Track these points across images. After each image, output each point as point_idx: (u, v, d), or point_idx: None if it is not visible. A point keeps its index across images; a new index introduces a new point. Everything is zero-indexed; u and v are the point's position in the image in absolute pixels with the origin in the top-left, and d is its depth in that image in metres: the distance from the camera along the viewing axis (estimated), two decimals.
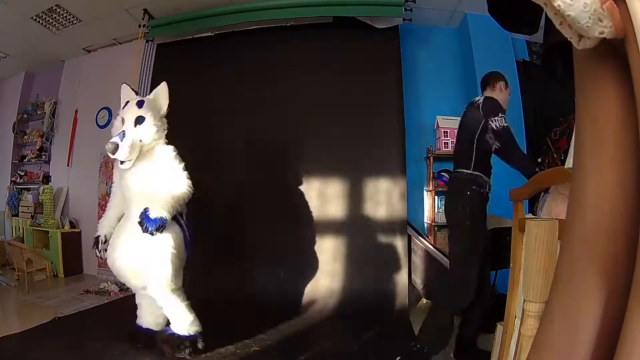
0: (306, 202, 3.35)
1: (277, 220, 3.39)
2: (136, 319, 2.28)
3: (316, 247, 3.29)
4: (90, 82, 4.48)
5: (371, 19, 3.40)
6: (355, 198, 3.31)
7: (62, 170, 4.56)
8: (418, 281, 3.25)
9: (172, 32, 3.76)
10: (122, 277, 2.11)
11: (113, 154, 2.02)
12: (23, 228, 4.56)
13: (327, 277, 3.21)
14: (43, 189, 4.41)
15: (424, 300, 3.21)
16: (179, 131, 3.78)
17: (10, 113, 5.04)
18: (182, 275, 2.16)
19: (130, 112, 2.17)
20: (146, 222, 1.89)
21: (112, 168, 4.20)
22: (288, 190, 3.41)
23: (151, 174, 2.10)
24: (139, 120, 2.13)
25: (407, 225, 3.31)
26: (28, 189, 4.80)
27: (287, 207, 3.40)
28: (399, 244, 3.19)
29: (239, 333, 2.42)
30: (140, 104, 2.18)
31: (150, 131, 2.13)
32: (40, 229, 4.34)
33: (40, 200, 4.44)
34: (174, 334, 2.09)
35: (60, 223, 4.33)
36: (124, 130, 2.09)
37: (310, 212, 3.33)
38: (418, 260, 3.26)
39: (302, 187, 3.38)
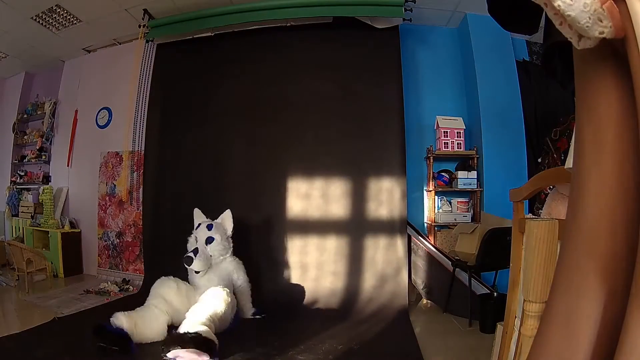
0: (306, 202, 3.35)
1: (277, 220, 3.39)
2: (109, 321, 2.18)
3: (316, 247, 3.29)
4: (90, 82, 4.49)
5: (371, 19, 3.40)
6: (355, 198, 3.31)
7: (62, 170, 4.57)
8: (418, 281, 3.25)
9: (172, 32, 3.76)
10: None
11: (189, 265, 2.58)
12: (23, 228, 4.56)
13: (327, 277, 3.21)
14: (43, 189, 4.41)
15: (424, 300, 3.22)
16: (180, 131, 3.81)
17: (10, 113, 5.04)
18: None
19: (202, 233, 2.74)
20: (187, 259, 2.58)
21: (112, 168, 4.21)
22: (288, 190, 3.41)
23: (222, 280, 2.64)
24: (209, 240, 2.70)
25: (407, 225, 3.31)
26: (28, 189, 4.81)
27: (287, 207, 3.40)
28: (399, 244, 3.19)
29: (240, 333, 2.42)
30: (209, 227, 2.76)
31: (217, 248, 2.70)
32: (40, 229, 4.34)
33: (40, 201, 4.45)
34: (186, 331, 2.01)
35: (60, 223, 4.34)
36: (197, 247, 2.66)
37: (310, 212, 3.33)
38: (418, 261, 3.26)
39: (301, 187, 3.38)
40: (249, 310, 2.82)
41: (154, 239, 3.68)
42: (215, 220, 2.85)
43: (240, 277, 2.80)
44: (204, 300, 2.24)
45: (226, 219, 2.88)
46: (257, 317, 2.78)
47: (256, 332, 2.49)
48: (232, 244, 2.84)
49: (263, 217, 3.42)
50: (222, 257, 2.73)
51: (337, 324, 2.73)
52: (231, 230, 2.85)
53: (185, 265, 2.59)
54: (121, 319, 2.16)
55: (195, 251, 2.61)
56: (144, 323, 2.23)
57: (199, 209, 2.99)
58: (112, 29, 4.05)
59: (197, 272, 2.60)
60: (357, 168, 3.34)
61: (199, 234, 2.74)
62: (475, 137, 3.60)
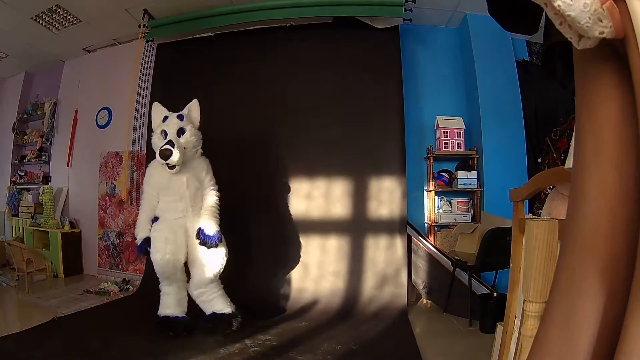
0: (305, 202, 3.35)
1: (277, 220, 3.39)
2: (159, 310, 2.50)
3: (315, 247, 3.28)
4: (90, 82, 4.49)
5: (371, 19, 3.40)
6: (355, 198, 3.31)
7: (62, 170, 4.57)
8: (418, 281, 3.25)
9: (172, 32, 3.76)
10: (169, 272, 2.42)
11: (166, 159, 2.34)
12: (23, 228, 4.56)
13: (327, 277, 3.21)
14: (43, 189, 4.41)
15: (424, 300, 3.22)
16: None
17: (10, 113, 5.04)
18: None
19: (173, 125, 2.50)
20: (208, 239, 2.37)
21: (112, 168, 4.21)
22: (288, 190, 3.41)
23: (191, 181, 2.49)
24: (181, 131, 2.49)
25: (407, 225, 3.31)
26: (28, 189, 4.81)
27: (286, 207, 3.40)
28: (399, 244, 3.19)
29: (246, 333, 2.43)
30: (180, 118, 2.55)
31: (191, 140, 2.50)
32: (40, 229, 4.34)
33: (40, 201, 4.45)
34: (220, 313, 2.45)
35: (60, 223, 4.34)
36: (171, 140, 2.39)
37: (310, 212, 3.33)
38: (418, 261, 3.26)
39: (301, 187, 3.38)
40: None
41: None
42: (182, 112, 2.63)
43: (209, 180, 2.59)
44: (208, 267, 2.39)
45: (193, 109, 2.66)
46: (232, 317, 2.50)
47: (256, 332, 2.48)
48: (201, 137, 2.64)
49: (264, 217, 3.42)
50: (194, 150, 2.55)
51: (336, 323, 2.73)
52: (198, 121, 2.65)
53: (161, 160, 2.35)
54: (174, 309, 2.48)
55: (171, 143, 2.35)
56: (181, 299, 2.53)
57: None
58: (112, 29, 4.05)
59: (171, 168, 2.39)
60: (357, 168, 3.34)
61: (169, 127, 2.48)
62: (475, 137, 3.60)
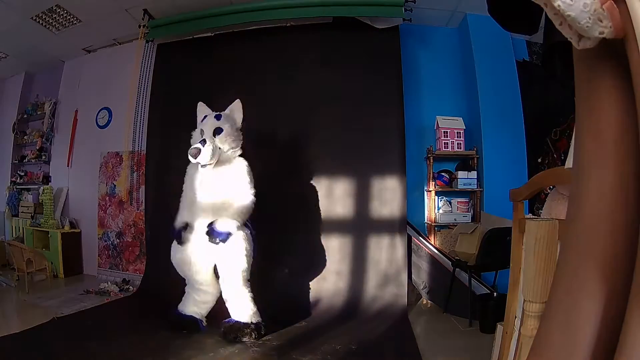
0: (305, 202, 3.35)
1: (277, 220, 3.38)
2: (178, 306, 2.55)
3: (314, 247, 3.28)
4: (90, 82, 4.49)
5: (371, 19, 3.40)
6: (354, 198, 3.31)
7: (62, 170, 4.57)
8: (418, 281, 3.25)
9: (172, 32, 3.76)
10: (187, 273, 2.47)
11: (195, 158, 2.33)
12: (23, 228, 4.56)
13: (326, 277, 3.21)
14: (43, 189, 4.41)
15: (424, 300, 3.22)
16: (181, 131, 3.80)
17: (10, 113, 5.04)
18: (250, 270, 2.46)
19: (209, 124, 2.49)
20: (214, 233, 2.29)
21: (112, 168, 4.21)
22: (287, 190, 3.40)
23: (226, 181, 2.45)
24: (217, 131, 2.46)
25: (407, 225, 3.31)
26: (28, 189, 4.81)
27: (286, 207, 3.39)
28: (399, 244, 3.19)
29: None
30: (218, 117, 2.52)
31: (227, 140, 2.45)
32: (40, 229, 4.34)
33: (40, 201, 4.45)
34: (238, 321, 2.36)
35: (60, 223, 4.34)
36: (204, 139, 2.39)
37: (309, 212, 3.33)
38: (418, 261, 3.26)
39: (301, 187, 3.38)
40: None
41: (156, 239, 3.68)
42: (224, 112, 2.61)
43: (247, 183, 2.50)
44: (230, 268, 2.32)
45: (236, 109, 2.62)
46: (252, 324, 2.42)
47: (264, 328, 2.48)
48: (242, 138, 2.59)
49: (263, 216, 3.41)
50: (232, 151, 2.50)
51: (336, 323, 2.73)
52: (241, 121, 2.61)
53: (191, 158, 2.35)
54: (189, 308, 2.51)
55: (203, 142, 2.35)
56: (201, 302, 2.54)
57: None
58: (112, 29, 4.05)
59: (202, 166, 2.38)
60: (357, 168, 3.34)
61: (205, 126, 2.48)
62: (475, 137, 3.60)
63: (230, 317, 2.42)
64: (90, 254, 4.28)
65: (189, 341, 2.33)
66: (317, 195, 3.34)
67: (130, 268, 3.99)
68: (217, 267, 2.43)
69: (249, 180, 2.51)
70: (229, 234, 2.30)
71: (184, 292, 2.60)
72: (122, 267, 4.05)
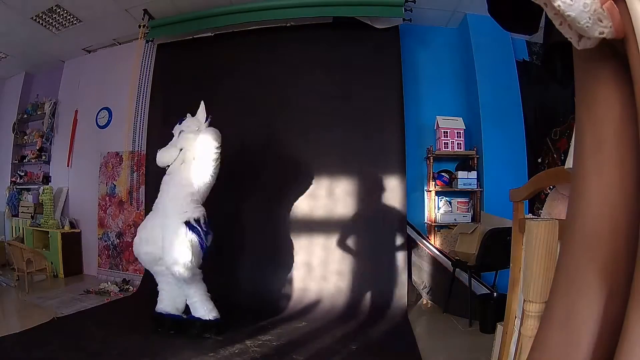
0: (304, 202, 3.35)
1: (278, 220, 3.39)
2: (155, 306, 2.53)
3: (314, 248, 3.28)
4: (90, 82, 4.49)
5: (371, 19, 3.40)
6: (354, 198, 3.31)
7: (62, 170, 4.57)
8: (418, 281, 3.25)
9: (172, 32, 3.76)
10: (144, 263, 2.53)
11: (158, 162, 2.54)
12: (23, 228, 4.56)
13: (326, 277, 3.21)
14: (43, 189, 4.41)
15: (424, 300, 3.22)
16: None
17: (10, 113, 5.04)
18: (201, 270, 2.46)
19: (176, 129, 2.66)
20: (196, 235, 2.34)
21: (112, 168, 4.22)
22: (287, 190, 3.41)
23: (190, 171, 2.50)
24: (181, 133, 2.59)
25: (407, 225, 3.31)
26: (28, 189, 4.81)
27: (287, 207, 3.40)
28: (399, 243, 3.19)
29: (247, 333, 2.44)
30: (180, 121, 2.67)
31: (186, 138, 2.54)
32: (40, 229, 4.34)
33: (40, 201, 4.45)
34: (198, 318, 2.40)
35: (60, 223, 4.34)
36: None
37: (308, 212, 3.33)
38: (418, 261, 3.26)
39: (301, 187, 3.38)
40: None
41: None
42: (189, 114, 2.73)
43: (202, 169, 2.49)
44: (174, 264, 2.28)
45: (199, 110, 2.71)
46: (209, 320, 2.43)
47: (257, 332, 2.48)
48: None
49: (265, 217, 3.42)
50: (194, 143, 2.54)
51: (336, 323, 2.73)
52: (205, 120, 2.66)
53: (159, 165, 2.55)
54: (166, 305, 2.50)
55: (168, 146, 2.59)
56: (175, 297, 2.53)
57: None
58: (112, 29, 4.05)
59: (167, 167, 2.54)
60: (357, 168, 3.34)
61: (175, 132, 2.67)
62: (475, 137, 3.60)
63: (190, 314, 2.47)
64: (90, 254, 4.28)
65: (189, 341, 2.33)
66: (319, 195, 3.34)
67: (130, 268, 3.99)
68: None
69: (210, 154, 2.48)
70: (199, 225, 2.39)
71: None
72: (122, 267, 4.05)
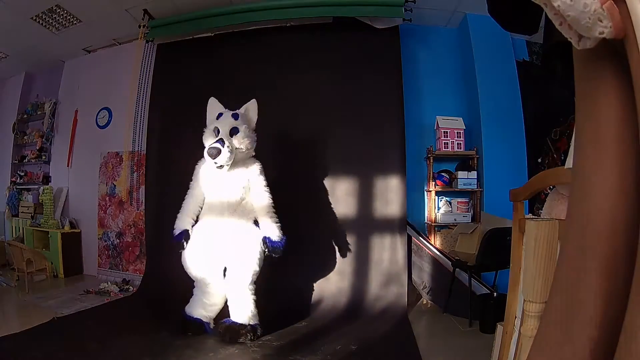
0: (304, 202, 3.35)
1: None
2: (185, 308, 2.50)
3: (313, 248, 3.28)
4: (90, 82, 4.48)
5: (371, 19, 3.40)
6: (354, 198, 3.31)
7: (62, 170, 4.57)
8: (418, 281, 3.25)
9: (172, 33, 3.76)
10: (197, 276, 2.43)
11: (214, 158, 2.27)
12: (23, 228, 4.56)
13: (326, 277, 3.21)
14: (43, 190, 4.41)
15: (424, 300, 3.21)
16: (181, 131, 3.81)
17: (10, 113, 5.04)
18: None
19: (226, 123, 2.42)
20: (276, 246, 2.32)
21: (112, 168, 4.21)
22: (286, 190, 3.40)
23: (240, 183, 2.41)
24: (234, 130, 2.39)
25: (407, 225, 3.31)
26: (28, 190, 4.81)
27: (284, 207, 3.39)
28: (399, 243, 3.19)
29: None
30: (235, 116, 2.45)
31: (244, 141, 2.40)
32: (40, 229, 4.34)
33: (40, 201, 4.44)
34: (235, 322, 2.34)
35: (60, 223, 4.34)
36: (222, 138, 2.32)
37: (308, 212, 3.33)
38: (418, 261, 3.26)
39: (299, 187, 3.38)
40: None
41: (156, 239, 3.68)
42: (238, 110, 2.54)
43: (261, 183, 2.46)
44: (241, 269, 2.30)
45: (251, 109, 2.57)
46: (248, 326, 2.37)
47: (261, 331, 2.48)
48: (256, 139, 2.55)
49: None
50: (247, 152, 2.45)
51: (336, 323, 2.73)
52: (255, 122, 2.57)
53: (208, 158, 2.29)
54: (195, 310, 2.46)
55: (221, 142, 2.29)
56: (208, 305, 2.49)
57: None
58: (112, 29, 4.05)
59: (219, 167, 2.33)
60: (357, 168, 3.34)
61: (221, 125, 2.40)
62: (475, 137, 3.60)
63: (229, 317, 2.40)
64: (90, 254, 4.28)
65: (189, 341, 2.33)
66: (319, 195, 3.34)
67: (130, 268, 3.99)
68: (226, 268, 2.40)
69: (264, 181, 2.50)
70: (283, 241, 2.35)
71: (192, 294, 2.54)
72: (122, 267, 4.05)
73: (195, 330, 2.42)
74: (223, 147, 2.26)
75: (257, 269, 2.34)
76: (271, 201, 2.47)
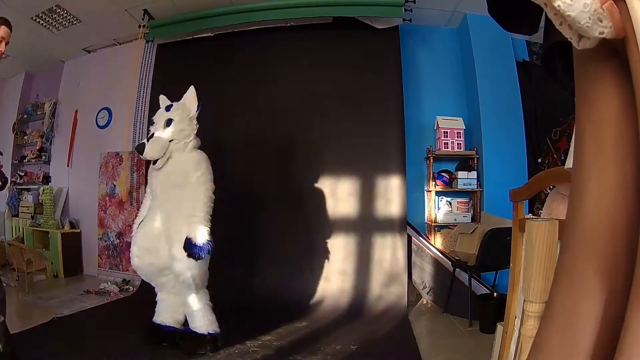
0: (304, 202, 3.35)
1: (277, 220, 3.38)
2: (153, 317, 2.35)
3: (313, 248, 3.28)
4: (90, 82, 4.49)
5: (371, 19, 3.40)
6: (354, 198, 3.31)
7: (62, 170, 4.57)
8: (418, 281, 3.25)
9: (172, 32, 3.76)
10: (145, 275, 2.32)
11: (142, 153, 2.19)
12: (23, 228, 4.56)
13: (324, 278, 3.21)
14: (43, 190, 4.41)
15: (424, 300, 3.22)
16: None
17: (10, 113, 5.04)
18: (208, 277, 2.29)
19: (160, 116, 2.33)
20: (196, 250, 2.06)
21: (112, 168, 4.22)
22: (286, 190, 3.41)
23: (179, 175, 2.23)
24: (168, 122, 2.27)
25: (407, 225, 3.31)
26: (28, 190, 4.81)
27: (285, 207, 3.40)
28: (399, 243, 3.19)
29: (247, 333, 2.43)
30: (168, 108, 2.35)
31: (177, 130, 2.26)
32: (40, 229, 4.34)
33: (40, 201, 4.45)
34: (194, 332, 2.19)
35: (60, 223, 4.34)
36: (153, 133, 2.26)
37: (308, 212, 3.33)
38: (418, 261, 3.26)
39: (300, 187, 3.38)
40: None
41: None
42: (175, 102, 2.41)
43: (199, 176, 2.20)
44: (180, 275, 2.12)
45: (189, 97, 2.38)
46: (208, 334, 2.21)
47: (257, 332, 2.48)
48: (196, 127, 2.36)
49: (263, 217, 3.42)
50: (184, 142, 2.27)
51: (336, 324, 2.73)
52: (195, 110, 2.36)
53: (139, 155, 2.23)
54: (164, 316, 2.31)
55: (151, 136, 2.23)
56: (176, 308, 2.33)
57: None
58: (112, 29, 4.05)
59: (154, 163, 2.23)
60: (357, 168, 3.34)
61: (157, 118, 2.33)
62: (475, 137, 3.60)
63: (187, 326, 2.25)
64: (90, 254, 4.28)
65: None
66: (319, 195, 3.34)
67: (130, 268, 3.97)
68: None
69: (207, 173, 2.25)
70: (209, 244, 2.10)
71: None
72: (122, 267, 4.05)
73: (168, 339, 2.25)
74: (148, 141, 2.19)
75: (196, 271, 2.12)
76: (207, 196, 2.20)
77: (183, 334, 2.23)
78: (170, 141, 2.22)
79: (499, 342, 1.35)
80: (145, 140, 2.22)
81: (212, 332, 2.20)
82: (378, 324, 2.74)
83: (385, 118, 3.36)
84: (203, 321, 2.19)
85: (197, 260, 2.08)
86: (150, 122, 2.41)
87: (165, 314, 2.32)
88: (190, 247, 2.06)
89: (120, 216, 4.11)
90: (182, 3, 3.56)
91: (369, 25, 3.41)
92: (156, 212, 2.27)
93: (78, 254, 4.30)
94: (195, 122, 2.37)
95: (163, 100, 2.48)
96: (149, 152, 2.18)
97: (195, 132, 2.36)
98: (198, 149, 2.36)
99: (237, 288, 3.19)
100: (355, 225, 3.28)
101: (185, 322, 2.30)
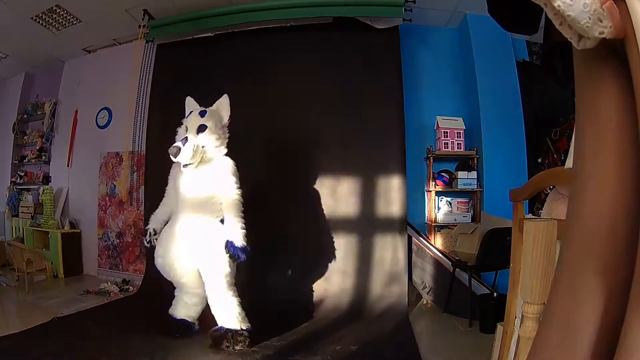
0: (304, 202, 3.35)
1: (277, 220, 3.38)
2: (169, 309, 2.48)
3: (313, 248, 3.28)
4: (90, 82, 4.49)
5: (371, 19, 3.40)
6: (354, 198, 3.31)
7: (62, 170, 4.57)
8: (418, 281, 3.25)
9: (172, 32, 3.76)
10: (172, 276, 2.39)
11: (175, 157, 2.22)
12: (23, 228, 4.56)
13: (324, 278, 3.21)
14: (43, 190, 4.41)
15: (424, 300, 3.21)
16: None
17: (10, 113, 5.04)
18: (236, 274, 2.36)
19: (193, 121, 2.35)
20: (237, 252, 2.17)
21: (112, 168, 4.22)
22: (286, 190, 3.40)
23: (209, 181, 2.31)
24: (201, 128, 2.32)
25: (407, 225, 3.31)
26: (28, 190, 4.81)
27: (284, 207, 3.39)
28: (399, 244, 3.19)
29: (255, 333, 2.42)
30: (202, 114, 2.38)
31: (211, 138, 2.32)
32: (40, 229, 4.34)
33: (40, 201, 4.45)
34: (228, 329, 2.24)
35: (60, 223, 4.34)
36: (187, 137, 2.27)
37: (308, 212, 3.33)
38: (418, 261, 3.26)
39: (300, 187, 3.38)
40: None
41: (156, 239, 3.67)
42: (209, 107, 2.47)
43: (231, 182, 2.31)
44: (212, 273, 2.22)
45: (222, 105, 2.48)
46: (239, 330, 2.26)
47: (257, 332, 2.48)
48: (227, 135, 2.46)
49: (263, 217, 3.41)
50: (216, 149, 2.36)
51: (336, 324, 2.73)
52: (227, 119, 2.47)
53: (171, 158, 2.24)
54: (179, 311, 2.45)
55: (185, 140, 2.24)
56: (191, 305, 2.47)
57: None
58: (112, 29, 4.05)
59: (184, 166, 2.26)
60: (356, 168, 3.34)
61: (190, 122, 2.35)
62: (475, 137, 3.60)
63: (217, 324, 2.29)
64: (90, 254, 4.28)
65: (190, 341, 2.33)
66: (319, 195, 3.34)
67: (130, 268, 3.99)
68: (199, 270, 2.31)
69: (234, 179, 2.35)
70: (245, 250, 2.20)
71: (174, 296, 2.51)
72: (122, 267, 4.05)
73: (182, 331, 2.38)
74: (184, 145, 2.21)
75: (228, 270, 2.22)
76: (240, 201, 2.31)
77: (218, 333, 2.25)
78: (202, 147, 2.29)
79: (499, 342, 1.35)
80: (180, 144, 2.21)
81: (244, 327, 2.27)
82: (378, 324, 2.74)
83: (385, 118, 3.36)
84: (236, 318, 2.26)
85: (235, 262, 2.21)
86: (176, 124, 2.49)
87: (182, 310, 2.44)
88: (231, 248, 2.17)
89: (120, 216, 4.11)
90: (182, 3, 3.56)
91: (369, 25, 3.41)
92: (182, 214, 2.32)
93: (78, 254, 4.30)
94: (227, 130, 2.47)
95: (191, 104, 2.53)
96: (184, 157, 2.21)
97: (227, 140, 2.45)
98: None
99: (236, 288, 3.18)
100: (355, 225, 3.28)
101: (201, 318, 2.46)
